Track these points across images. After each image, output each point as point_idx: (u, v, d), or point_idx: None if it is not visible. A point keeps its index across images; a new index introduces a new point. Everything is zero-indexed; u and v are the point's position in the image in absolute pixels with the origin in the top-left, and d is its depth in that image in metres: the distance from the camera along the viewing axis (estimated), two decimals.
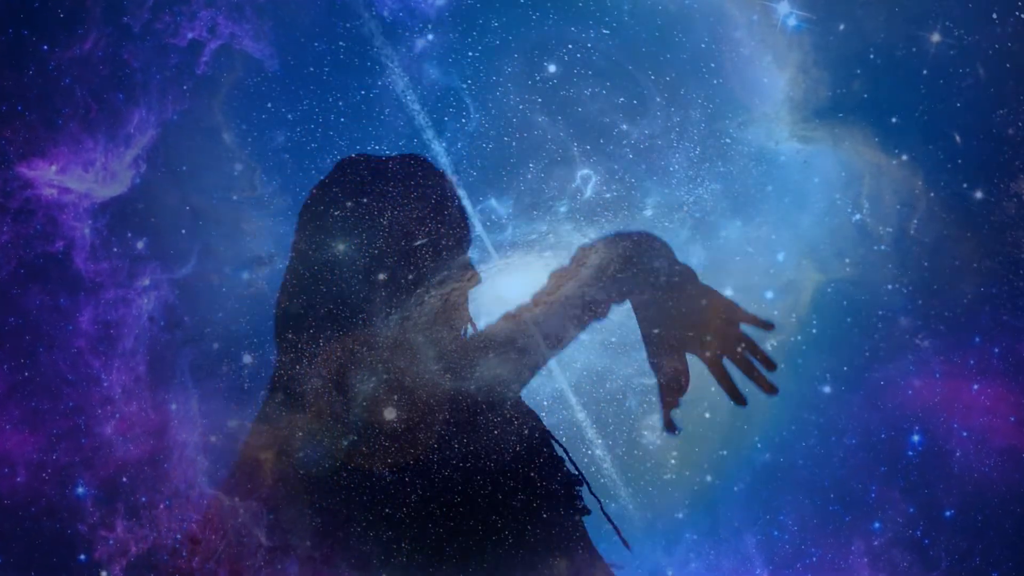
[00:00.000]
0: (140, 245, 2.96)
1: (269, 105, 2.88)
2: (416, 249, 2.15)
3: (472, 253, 2.76)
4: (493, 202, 2.76)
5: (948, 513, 2.72)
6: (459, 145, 2.73)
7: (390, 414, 2.02)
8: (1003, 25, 2.59)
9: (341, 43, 2.74)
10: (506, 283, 2.75)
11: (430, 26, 2.72)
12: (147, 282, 2.95)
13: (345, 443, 2.01)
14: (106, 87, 2.89)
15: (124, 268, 2.93)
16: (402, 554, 2.06)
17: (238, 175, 2.90)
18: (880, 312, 2.81)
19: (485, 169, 2.75)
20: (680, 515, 2.76)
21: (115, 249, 2.92)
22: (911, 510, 2.71)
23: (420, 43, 2.74)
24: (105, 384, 2.91)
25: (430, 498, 2.04)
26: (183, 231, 2.97)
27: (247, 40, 2.88)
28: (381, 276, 2.11)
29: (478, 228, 2.71)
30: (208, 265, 2.98)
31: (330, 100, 2.76)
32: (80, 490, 2.86)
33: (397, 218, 2.11)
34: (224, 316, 2.90)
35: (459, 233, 2.23)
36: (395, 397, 2.01)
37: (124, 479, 2.86)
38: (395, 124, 2.76)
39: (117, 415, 2.90)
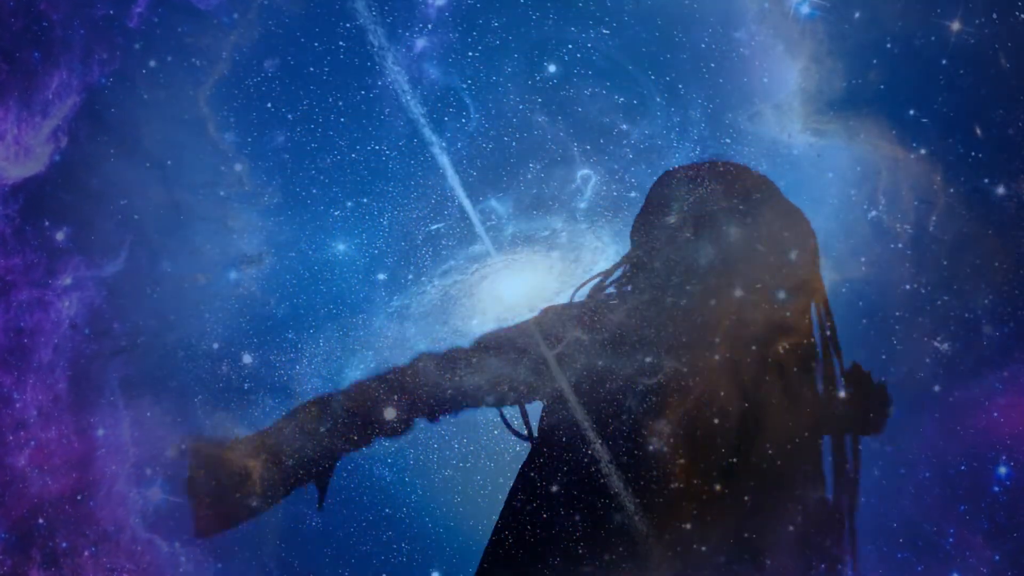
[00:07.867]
0: (60, 236, 2.54)
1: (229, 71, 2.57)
2: None
3: (476, 248, 2.63)
4: (493, 202, 2.69)
5: None
6: (459, 145, 2.68)
7: None
8: None
9: (341, 43, 2.62)
10: (508, 282, 2.67)
11: (430, 26, 2.67)
12: (69, 281, 2.54)
13: None
14: (19, 44, 2.49)
15: (41, 263, 2.51)
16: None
17: (190, 151, 2.56)
18: (897, 313, 2.71)
19: (485, 169, 2.70)
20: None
21: (30, 240, 2.51)
22: (996, 558, 2.53)
23: (420, 43, 2.69)
24: (18, 405, 2.50)
25: None
26: (112, 219, 2.55)
27: None
28: None
29: (478, 228, 2.65)
30: (141, 261, 2.58)
31: (329, 100, 2.66)
32: None
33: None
34: (179, 320, 2.49)
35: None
36: None
37: (41, 520, 2.49)
38: (395, 124, 2.68)
39: (32, 442, 2.50)
